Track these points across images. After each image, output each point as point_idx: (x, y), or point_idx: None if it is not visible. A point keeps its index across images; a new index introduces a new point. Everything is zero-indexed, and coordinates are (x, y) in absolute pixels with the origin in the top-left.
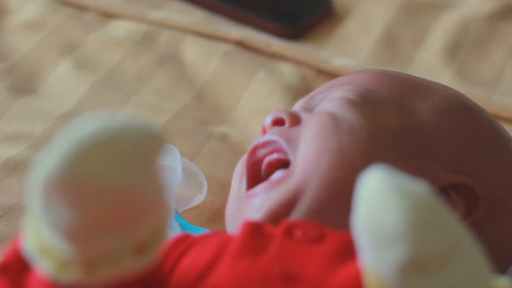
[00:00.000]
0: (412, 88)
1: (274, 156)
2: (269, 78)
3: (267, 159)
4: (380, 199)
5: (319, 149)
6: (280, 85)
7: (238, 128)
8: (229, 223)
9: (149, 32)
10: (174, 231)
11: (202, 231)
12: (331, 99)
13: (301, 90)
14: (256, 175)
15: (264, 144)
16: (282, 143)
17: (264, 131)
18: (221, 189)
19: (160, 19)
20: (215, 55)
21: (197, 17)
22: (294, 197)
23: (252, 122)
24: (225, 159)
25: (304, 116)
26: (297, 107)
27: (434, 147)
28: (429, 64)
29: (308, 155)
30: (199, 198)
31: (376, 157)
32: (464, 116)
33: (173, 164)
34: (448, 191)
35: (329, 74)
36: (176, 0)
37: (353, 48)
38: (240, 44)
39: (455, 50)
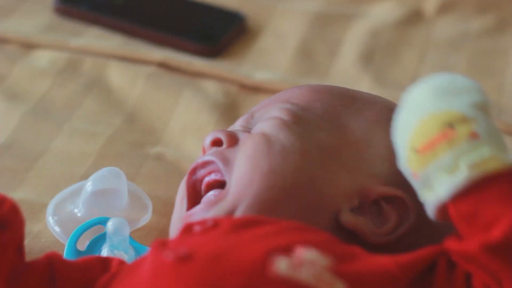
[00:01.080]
0: (346, 104)
1: (212, 176)
2: (195, 96)
3: (206, 180)
4: (448, 77)
5: (251, 170)
6: (207, 102)
7: (172, 147)
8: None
9: (72, 60)
10: (129, 255)
11: None
12: (266, 119)
13: (227, 106)
14: (197, 195)
15: (203, 165)
16: (219, 164)
17: (204, 151)
18: (164, 207)
19: (81, 46)
20: (140, 77)
21: (118, 42)
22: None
23: (185, 140)
24: (164, 178)
25: (242, 136)
26: (237, 126)
27: (366, 160)
28: (347, 72)
29: (241, 177)
30: (146, 218)
31: (306, 175)
32: None
33: (120, 187)
34: (380, 202)
35: (252, 89)
36: (94, 27)
37: (272, 62)
38: (163, 65)
39: (370, 57)
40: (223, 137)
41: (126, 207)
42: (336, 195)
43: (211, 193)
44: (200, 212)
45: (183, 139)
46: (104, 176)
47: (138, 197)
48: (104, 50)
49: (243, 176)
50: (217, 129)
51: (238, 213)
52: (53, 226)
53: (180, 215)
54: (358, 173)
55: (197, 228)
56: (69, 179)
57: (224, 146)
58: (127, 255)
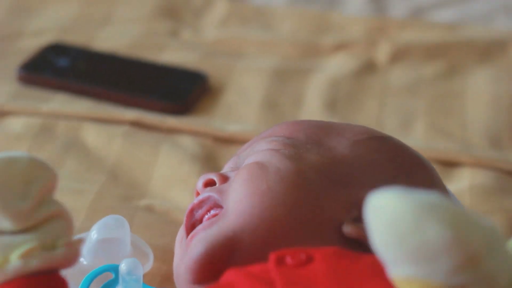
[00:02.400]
0: (326, 130)
1: (212, 212)
2: (173, 151)
3: (206, 217)
4: (412, 219)
5: (249, 191)
6: (186, 155)
7: (159, 198)
8: (180, 279)
9: (45, 124)
10: None
11: None
12: (255, 152)
13: (206, 157)
14: None
15: (199, 204)
16: (215, 196)
17: (197, 195)
18: (163, 254)
19: (53, 111)
20: (116, 136)
21: (87, 105)
22: (232, 237)
23: (170, 191)
24: (158, 227)
25: (232, 174)
26: (226, 168)
27: (357, 176)
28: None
29: (240, 198)
30: (148, 266)
31: (304, 193)
32: (377, 145)
33: (123, 237)
34: None
35: (226, 141)
36: (60, 93)
37: (240, 116)
38: (136, 124)
39: (333, 106)
40: (214, 177)
41: (130, 255)
42: (336, 209)
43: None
44: (200, 231)
45: (168, 190)
46: (108, 223)
47: (137, 246)
48: (77, 113)
49: (242, 197)
50: (205, 174)
51: (245, 234)
52: None
53: (181, 257)
54: (352, 186)
55: (289, 260)
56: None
57: (217, 184)
58: None
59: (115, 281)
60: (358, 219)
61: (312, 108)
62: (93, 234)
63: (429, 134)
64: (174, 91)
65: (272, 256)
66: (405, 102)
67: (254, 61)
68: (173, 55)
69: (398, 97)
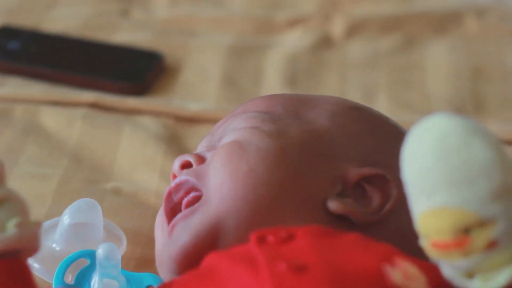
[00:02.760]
0: (302, 102)
1: (192, 195)
2: (136, 132)
3: (185, 200)
4: (461, 135)
5: (230, 174)
6: (149, 136)
7: (125, 181)
8: (164, 267)
9: (1, 109)
10: (120, 283)
11: (144, 277)
12: (232, 130)
13: (169, 137)
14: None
15: (177, 187)
16: (193, 180)
17: (174, 177)
18: (135, 237)
19: (8, 95)
20: (75, 119)
21: (42, 88)
22: (216, 223)
23: (136, 173)
24: (127, 210)
25: (208, 154)
26: (201, 148)
27: (340, 147)
28: None
29: (221, 181)
30: (122, 250)
31: (287, 171)
32: (357, 115)
33: (96, 221)
34: (362, 184)
35: (189, 120)
36: (14, 77)
37: (200, 94)
38: (95, 106)
39: (293, 81)
40: (190, 158)
41: (103, 240)
42: (319, 184)
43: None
44: (181, 220)
45: (134, 172)
46: (81, 207)
47: (109, 229)
48: (33, 97)
49: (223, 182)
50: (181, 155)
51: (229, 218)
52: (32, 264)
53: (163, 242)
54: (335, 159)
55: (270, 239)
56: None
57: (194, 166)
58: (118, 284)
59: (91, 267)
60: (342, 193)
61: (273, 83)
62: (65, 219)
63: (393, 106)
64: (131, 71)
65: (252, 236)
66: (366, 76)
67: (209, 39)
68: (126, 35)
69: (358, 71)
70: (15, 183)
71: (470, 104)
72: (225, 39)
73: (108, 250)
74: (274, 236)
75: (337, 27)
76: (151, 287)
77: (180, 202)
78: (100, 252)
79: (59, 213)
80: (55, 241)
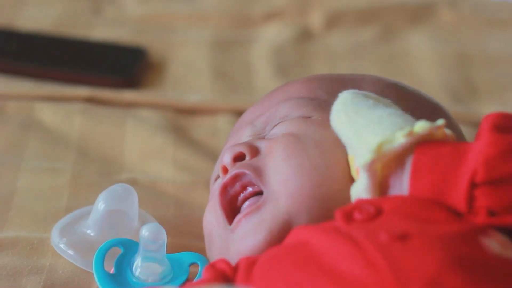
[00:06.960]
0: (342, 83)
1: (249, 190)
2: (140, 124)
3: (242, 196)
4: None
5: (294, 171)
6: (155, 127)
7: (138, 172)
8: (220, 255)
9: None
10: (164, 266)
11: (184, 256)
12: (283, 120)
13: (174, 128)
14: (235, 213)
15: (233, 180)
16: (250, 174)
17: (225, 170)
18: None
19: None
20: (74, 113)
21: (31, 84)
22: (289, 221)
23: (148, 164)
24: (148, 200)
25: (261, 144)
26: (244, 138)
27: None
28: (270, 86)
29: (285, 179)
30: None
31: (343, 159)
32: (398, 90)
33: (132, 209)
34: None
35: (188, 111)
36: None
37: (192, 87)
38: (91, 100)
39: (285, 71)
40: (244, 150)
41: (137, 227)
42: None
43: (247, 204)
44: (247, 218)
45: (146, 163)
46: (116, 192)
47: (142, 218)
48: (24, 93)
49: (289, 179)
50: (232, 146)
51: (301, 216)
52: (66, 250)
53: (225, 237)
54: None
55: (357, 216)
56: (55, 213)
57: (247, 158)
58: (162, 267)
59: (125, 255)
60: None
61: (264, 75)
62: (100, 205)
63: None
64: (118, 66)
65: (338, 214)
66: (355, 65)
67: (188, 34)
68: (102, 33)
69: (346, 61)
70: (27, 177)
71: (464, 90)
72: (205, 34)
73: (153, 231)
74: (360, 212)
75: (316, 20)
76: (196, 264)
77: (235, 196)
78: (144, 233)
79: (79, 205)
80: (89, 227)
